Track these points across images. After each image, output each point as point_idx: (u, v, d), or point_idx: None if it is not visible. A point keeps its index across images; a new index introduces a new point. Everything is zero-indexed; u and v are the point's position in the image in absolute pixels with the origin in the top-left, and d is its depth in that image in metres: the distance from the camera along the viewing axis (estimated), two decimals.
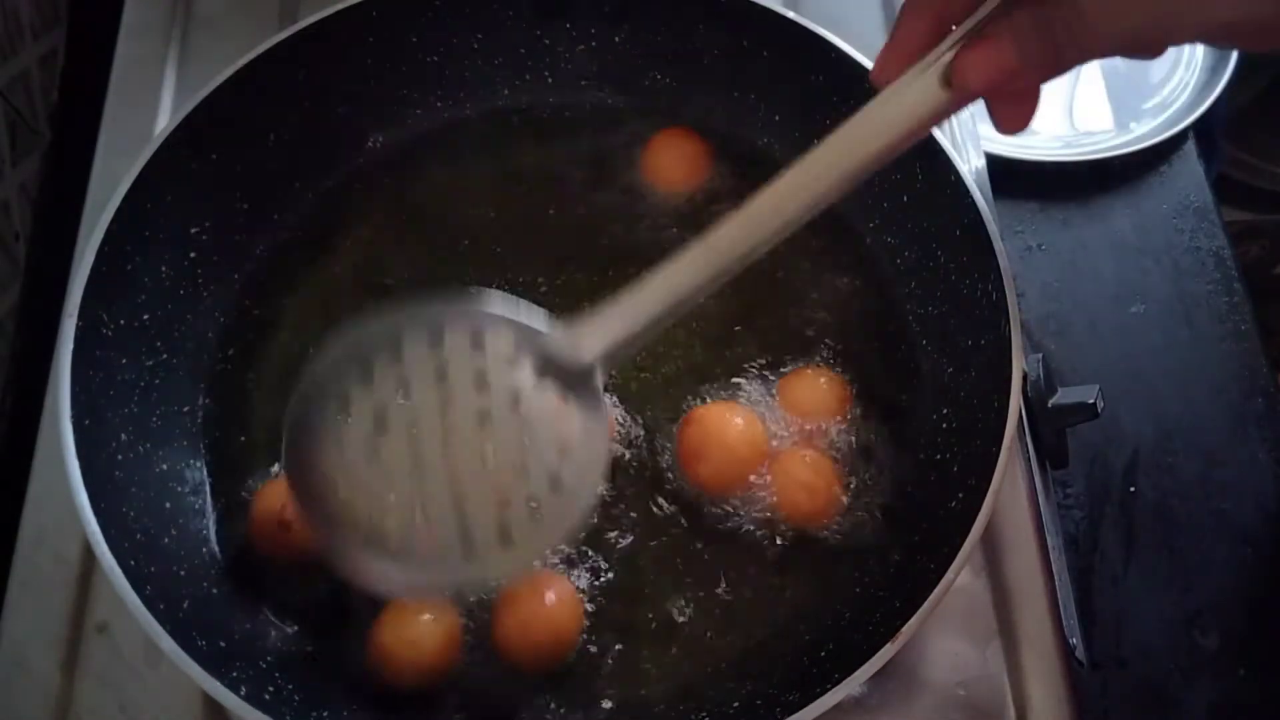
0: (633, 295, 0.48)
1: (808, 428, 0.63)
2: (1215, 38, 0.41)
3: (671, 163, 0.71)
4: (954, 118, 0.73)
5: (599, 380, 0.48)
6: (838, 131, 0.46)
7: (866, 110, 0.46)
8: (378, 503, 0.47)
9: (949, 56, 0.43)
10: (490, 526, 0.47)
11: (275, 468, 0.62)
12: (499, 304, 0.49)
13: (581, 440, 0.48)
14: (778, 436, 0.62)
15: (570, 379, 0.48)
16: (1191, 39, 0.42)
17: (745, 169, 0.71)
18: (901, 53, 0.45)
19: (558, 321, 0.48)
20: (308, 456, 0.48)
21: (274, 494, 0.59)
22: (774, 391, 0.64)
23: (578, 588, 0.59)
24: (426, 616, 0.56)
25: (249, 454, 0.62)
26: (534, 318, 0.49)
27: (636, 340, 0.48)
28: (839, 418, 0.63)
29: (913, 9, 0.45)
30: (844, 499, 0.61)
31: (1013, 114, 0.45)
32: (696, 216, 0.69)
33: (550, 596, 0.57)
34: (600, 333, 0.48)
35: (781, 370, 0.65)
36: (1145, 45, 0.41)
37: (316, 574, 0.59)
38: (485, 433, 0.48)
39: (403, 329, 0.48)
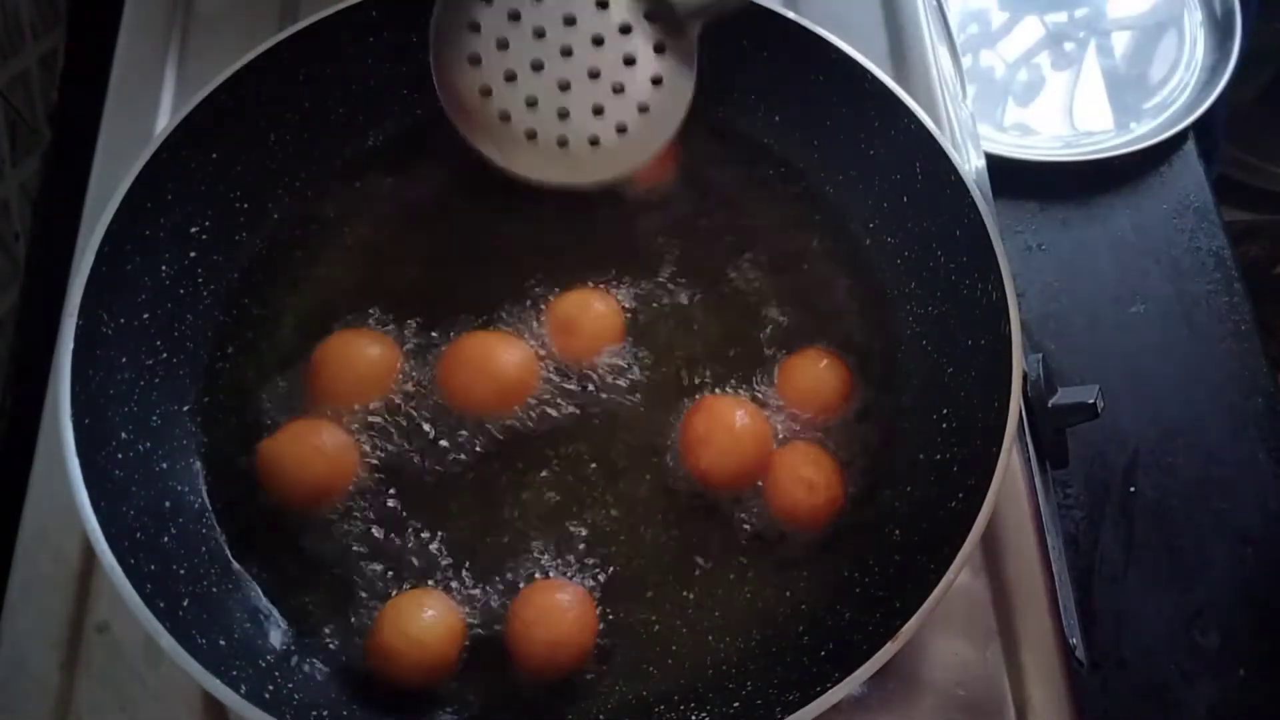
0: None
1: (808, 416, 0.63)
2: None
3: None
4: (954, 118, 0.73)
5: (695, 33, 0.60)
6: None
7: None
8: (501, 88, 0.59)
9: None
10: (586, 130, 0.60)
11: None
12: None
13: (671, 80, 0.60)
14: (778, 422, 0.63)
15: (672, 26, 0.59)
16: None
17: (746, 168, 0.71)
18: None
19: None
20: (451, 38, 0.60)
21: (295, 434, 0.61)
22: (774, 381, 0.64)
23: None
24: (429, 613, 0.56)
25: (249, 453, 0.62)
26: None
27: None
28: (842, 403, 0.63)
29: None
30: (843, 496, 0.61)
31: None
32: (677, 207, 0.70)
33: (568, 602, 0.57)
34: None
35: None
36: None
37: (318, 567, 0.59)
38: (597, 51, 0.59)
39: None
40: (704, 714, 0.55)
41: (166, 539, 0.56)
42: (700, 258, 0.68)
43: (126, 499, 0.55)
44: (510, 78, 0.59)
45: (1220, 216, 0.92)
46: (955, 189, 0.60)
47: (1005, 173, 0.83)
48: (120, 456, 0.56)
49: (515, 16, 0.58)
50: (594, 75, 0.59)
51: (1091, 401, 0.62)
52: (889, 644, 0.49)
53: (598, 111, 0.60)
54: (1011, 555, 0.61)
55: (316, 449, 0.60)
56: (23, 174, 0.80)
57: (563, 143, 0.60)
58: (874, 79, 0.63)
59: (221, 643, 0.53)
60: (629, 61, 0.59)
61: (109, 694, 0.57)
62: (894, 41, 0.77)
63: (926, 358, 0.64)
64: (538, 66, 0.59)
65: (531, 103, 0.60)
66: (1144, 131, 0.95)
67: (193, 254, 0.64)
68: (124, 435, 0.57)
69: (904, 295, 0.66)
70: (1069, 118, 0.97)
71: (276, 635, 0.57)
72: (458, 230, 0.70)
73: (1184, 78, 0.99)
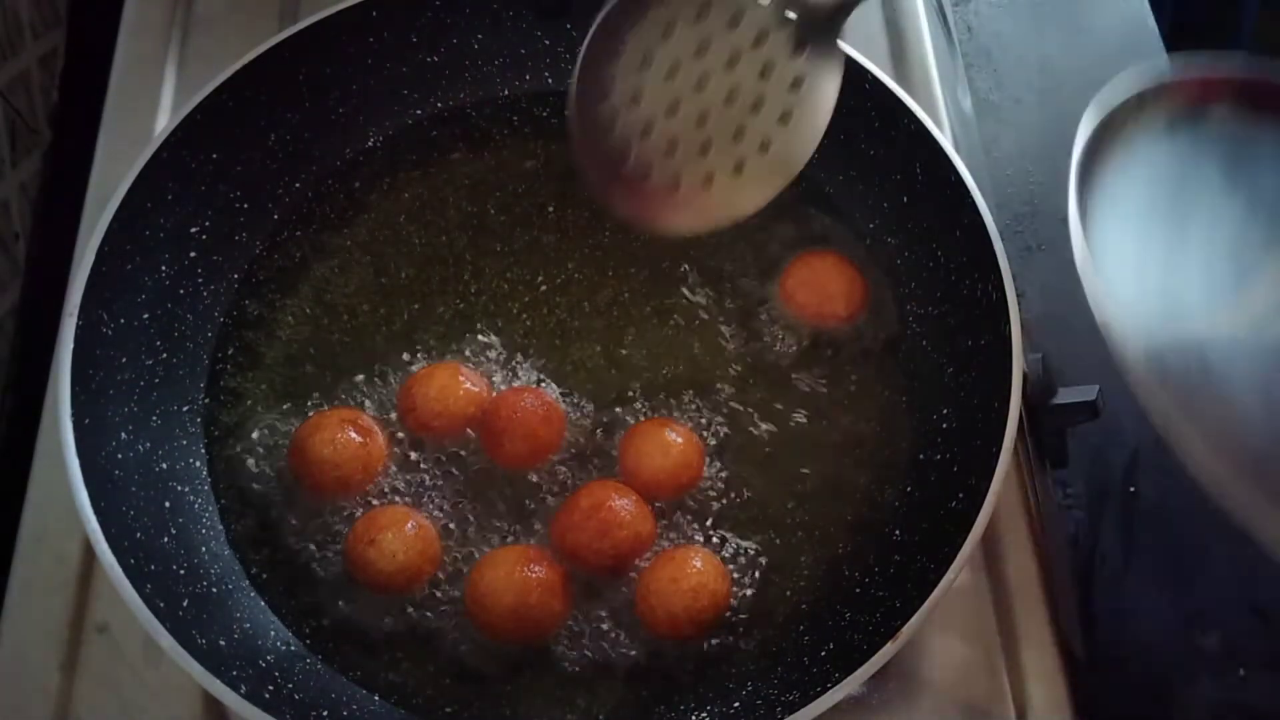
0: None
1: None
2: None
3: None
4: (954, 118, 0.73)
5: (838, 34, 0.54)
6: None
7: None
8: (635, 127, 0.54)
9: None
10: (699, 169, 0.55)
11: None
12: None
13: (802, 110, 0.54)
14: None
15: (811, 27, 0.53)
16: None
17: None
18: None
19: None
20: (594, 89, 0.53)
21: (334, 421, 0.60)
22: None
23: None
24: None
25: (248, 453, 0.62)
26: None
27: None
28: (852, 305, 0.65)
29: None
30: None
31: None
32: None
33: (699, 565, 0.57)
34: None
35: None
36: None
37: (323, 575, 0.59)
38: (726, 75, 0.54)
39: None
40: (704, 714, 0.55)
41: (166, 539, 0.56)
42: (700, 257, 0.68)
43: (127, 499, 0.55)
44: (647, 128, 0.54)
45: None
46: (955, 189, 0.60)
47: None
48: (120, 457, 0.56)
49: (648, 60, 0.53)
50: (730, 99, 0.54)
51: (1091, 401, 0.62)
52: (889, 644, 0.49)
53: (737, 137, 0.54)
54: (1011, 555, 0.61)
55: (351, 440, 0.60)
56: (23, 174, 0.80)
57: (707, 181, 0.55)
58: (874, 79, 0.63)
59: (221, 643, 0.53)
60: (764, 73, 0.54)
61: (109, 694, 0.57)
62: (894, 41, 0.78)
63: (926, 358, 0.64)
64: (673, 109, 0.54)
65: (670, 150, 0.54)
66: None
67: (193, 254, 0.64)
68: (124, 435, 0.57)
69: (904, 295, 0.66)
70: None
71: (276, 635, 0.57)
72: (458, 230, 0.70)
73: None
